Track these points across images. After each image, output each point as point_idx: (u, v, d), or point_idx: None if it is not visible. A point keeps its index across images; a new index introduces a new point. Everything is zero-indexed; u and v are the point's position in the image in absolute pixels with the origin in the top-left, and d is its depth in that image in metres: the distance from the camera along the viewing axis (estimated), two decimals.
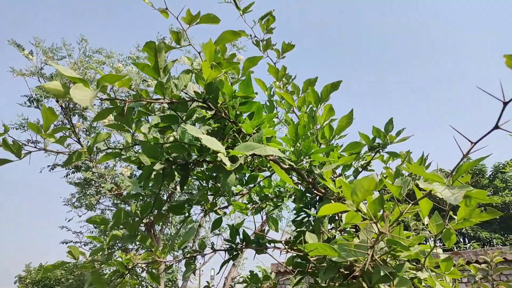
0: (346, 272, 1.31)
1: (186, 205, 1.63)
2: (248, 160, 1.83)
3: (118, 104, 1.20)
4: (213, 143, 1.19)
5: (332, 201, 1.66)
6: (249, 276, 2.04)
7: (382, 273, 1.06)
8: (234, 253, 2.00)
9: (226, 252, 2.01)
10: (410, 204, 1.08)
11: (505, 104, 0.81)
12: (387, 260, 1.21)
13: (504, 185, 21.24)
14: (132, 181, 1.71)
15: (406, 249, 1.12)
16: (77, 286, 4.97)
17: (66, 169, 6.63)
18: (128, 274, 2.00)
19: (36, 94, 6.36)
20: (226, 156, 1.21)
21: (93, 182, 6.16)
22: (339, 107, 1.93)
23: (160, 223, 5.19)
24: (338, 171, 2.18)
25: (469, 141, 0.89)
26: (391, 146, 2.25)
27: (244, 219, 3.16)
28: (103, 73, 1.06)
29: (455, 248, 18.93)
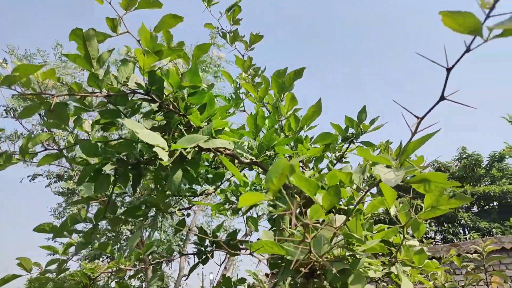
0: (307, 271, 1.21)
1: (143, 207, 1.52)
2: (210, 156, 1.73)
3: (46, 100, 1.10)
4: (151, 138, 1.09)
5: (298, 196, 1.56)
6: (221, 280, 1.93)
7: (334, 271, 0.96)
8: (204, 257, 1.90)
9: (195, 256, 1.90)
10: (364, 193, 0.98)
11: (448, 70, 0.72)
12: (347, 256, 1.11)
13: (501, 174, 21.20)
14: (86, 185, 1.60)
15: (361, 242, 1.02)
16: None
17: (48, 178, 6.48)
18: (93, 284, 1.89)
19: (12, 104, 6.23)
20: (167, 151, 1.11)
21: (77, 191, 6.03)
22: (314, 99, 1.83)
23: (148, 228, 5.06)
24: (312, 164, 2.08)
25: (415, 116, 0.79)
26: (366, 135, 2.15)
27: (224, 221, 3.05)
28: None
29: (455, 239, 18.87)
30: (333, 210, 1.69)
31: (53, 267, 1.55)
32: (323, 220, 1.38)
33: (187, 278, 1.75)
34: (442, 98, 0.76)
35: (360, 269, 1.02)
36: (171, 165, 1.26)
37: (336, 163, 2.08)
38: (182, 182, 1.31)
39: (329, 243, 1.08)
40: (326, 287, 1.17)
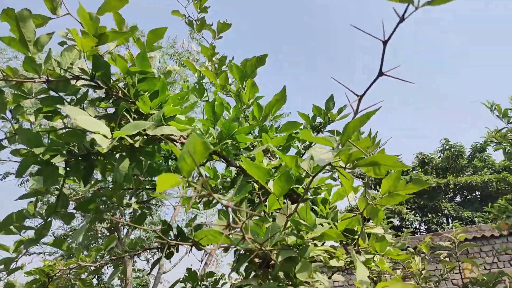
0: (260, 260, 1.17)
1: (97, 201, 1.46)
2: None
3: None
4: (90, 124, 1.03)
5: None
6: (186, 274, 1.87)
7: (280, 258, 0.91)
8: (168, 251, 1.84)
9: (159, 250, 1.85)
10: (311, 178, 0.94)
11: (385, 43, 0.67)
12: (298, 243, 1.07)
13: (483, 164, 21.63)
14: (36, 178, 1.52)
15: (310, 229, 0.98)
16: None
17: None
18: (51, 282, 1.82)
19: None
20: (109, 139, 1.04)
21: (52, 189, 5.86)
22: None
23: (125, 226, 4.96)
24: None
25: (355, 94, 0.75)
26: (334, 124, 2.11)
27: (197, 215, 3.00)
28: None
29: (438, 229, 19.18)
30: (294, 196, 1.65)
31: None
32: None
33: (149, 273, 1.70)
34: (380, 73, 0.71)
35: (307, 257, 0.98)
36: (118, 155, 1.20)
37: (304, 152, 2.04)
38: (132, 172, 1.25)
39: (281, 232, 1.03)
40: (281, 276, 1.13)
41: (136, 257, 5.73)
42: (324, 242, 1.35)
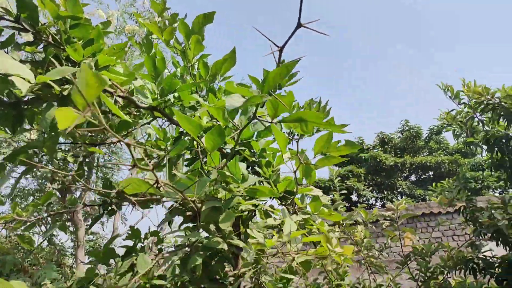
0: (190, 213, 1.18)
1: (28, 152, 1.40)
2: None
3: None
4: (9, 66, 0.97)
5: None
6: (129, 232, 1.87)
7: (204, 208, 0.93)
8: (109, 208, 1.82)
9: (101, 207, 1.82)
10: (239, 132, 0.94)
11: None
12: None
13: (438, 146, 22.75)
14: None
15: (235, 181, 1.00)
16: None
17: None
18: None
19: None
20: (31, 84, 1.00)
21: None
22: None
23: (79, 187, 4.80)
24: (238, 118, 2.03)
25: (276, 45, 0.75)
26: (284, 89, 2.13)
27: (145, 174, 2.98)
28: None
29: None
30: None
31: None
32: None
33: (89, 228, 1.68)
34: (299, 25, 0.72)
35: (236, 210, 1.01)
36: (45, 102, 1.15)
37: (252, 118, 2.04)
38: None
39: (210, 185, 1.05)
40: (211, 229, 1.15)
41: (89, 220, 5.65)
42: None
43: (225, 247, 1.07)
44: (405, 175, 22.26)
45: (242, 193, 1.09)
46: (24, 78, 0.97)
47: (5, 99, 1.32)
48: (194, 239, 1.10)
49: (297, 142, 1.21)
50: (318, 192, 1.71)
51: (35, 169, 6.28)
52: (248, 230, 1.37)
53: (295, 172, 1.27)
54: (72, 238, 5.59)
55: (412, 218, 10.10)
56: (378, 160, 20.83)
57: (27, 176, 5.63)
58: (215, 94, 1.80)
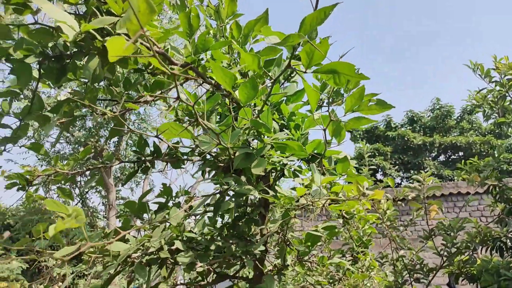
0: (222, 164, 1.23)
1: (68, 104, 1.47)
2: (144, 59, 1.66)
3: None
4: (56, 13, 1.02)
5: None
6: (162, 189, 1.95)
7: (237, 153, 0.96)
8: (143, 166, 1.90)
9: (135, 164, 1.91)
10: (273, 81, 0.96)
11: None
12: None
13: (470, 126, 21.95)
14: (11, 79, 1.53)
15: (268, 131, 1.03)
16: (29, 219, 4.95)
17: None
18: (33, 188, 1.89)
19: None
20: (75, 31, 1.04)
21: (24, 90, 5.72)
22: None
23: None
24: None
25: None
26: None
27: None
28: None
29: None
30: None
31: None
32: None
33: (124, 183, 1.77)
34: None
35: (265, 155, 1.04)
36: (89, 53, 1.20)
37: (284, 81, 2.05)
38: (103, 74, 1.26)
39: (243, 135, 1.08)
40: (242, 180, 1.20)
41: (120, 186, 5.91)
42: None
43: (256, 194, 1.11)
44: (434, 155, 21.73)
45: (273, 146, 1.12)
46: (69, 26, 1.02)
47: (49, 52, 1.38)
48: (226, 187, 1.14)
49: (328, 98, 1.21)
50: (346, 154, 1.72)
51: (68, 135, 6.55)
52: (276, 187, 1.41)
53: (324, 130, 1.29)
54: (104, 202, 5.87)
55: (439, 197, 9.93)
56: (406, 138, 20.37)
57: (62, 141, 5.88)
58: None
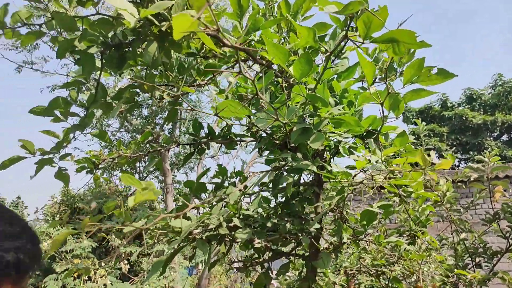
0: (278, 142, 1.24)
1: (130, 90, 1.56)
2: (197, 42, 1.70)
3: None
4: (117, 2, 1.08)
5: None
6: (217, 170, 2.02)
7: (295, 128, 0.97)
8: (199, 147, 1.97)
9: (191, 146, 1.98)
10: (329, 54, 0.94)
11: None
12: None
13: None
14: (76, 70, 1.64)
15: (325, 105, 1.02)
16: (96, 202, 5.37)
17: (66, 89, 6.54)
18: (99, 171, 2.04)
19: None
20: (135, 18, 1.10)
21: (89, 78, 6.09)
22: None
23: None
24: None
25: None
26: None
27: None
28: None
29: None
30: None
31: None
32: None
33: (181, 167, 1.85)
34: None
35: (323, 130, 1.04)
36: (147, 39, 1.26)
37: (335, 58, 2.01)
38: (160, 57, 1.32)
39: (298, 110, 1.08)
40: (299, 156, 1.20)
41: (176, 171, 6.19)
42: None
43: (314, 169, 1.12)
44: (496, 134, 20.24)
45: (329, 122, 1.11)
46: (130, 13, 1.07)
47: (109, 42, 1.47)
48: (283, 163, 1.16)
49: (386, 69, 1.18)
50: (404, 129, 1.67)
51: (127, 124, 6.96)
52: (332, 164, 1.40)
53: (382, 103, 1.25)
54: (161, 186, 6.18)
55: (502, 179, 9.28)
56: (464, 118, 19.14)
57: (121, 129, 6.23)
58: (296, 34, 1.80)
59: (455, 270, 3.08)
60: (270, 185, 1.94)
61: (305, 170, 1.13)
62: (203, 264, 6.78)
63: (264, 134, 1.36)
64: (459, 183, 3.81)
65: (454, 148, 19.22)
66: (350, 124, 1.19)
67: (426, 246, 3.34)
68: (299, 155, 1.23)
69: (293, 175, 1.16)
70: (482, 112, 20.71)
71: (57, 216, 5.97)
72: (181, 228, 1.53)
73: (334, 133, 1.24)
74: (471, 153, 19.37)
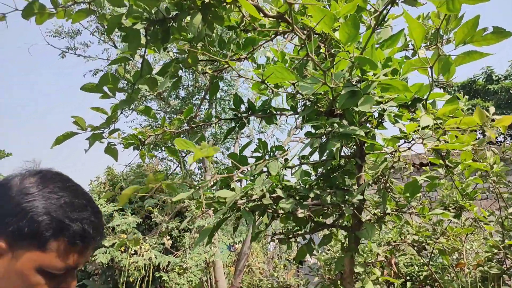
0: (322, 109, 1.23)
1: (174, 64, 1.60)
2: (237, 15, 1.70)
3: None
4: None
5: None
6: (258, 144, 2.04)
7: (343, 92, 0.96)
8: (240, 122, 2.00)
9: (233, 121, 2.01)
10: (377, 13, 0.92)
11: None
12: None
13: None
14: (122, 48, 1.70)
15: (375, 67, 1.00)
16: (138, 181, 5.62)
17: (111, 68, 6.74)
18: (145, 148, 2.12)
19: None
20: None
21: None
22: None
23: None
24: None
25: None
26: None
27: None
28: None
29: None
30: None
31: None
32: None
33: (223, 140, 1.89)
34: None
35: (371, 93, 1.02)
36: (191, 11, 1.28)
37: (376, 26, 1.94)
38: (204, 30, 1.33)
39: (345, 75, 1.07)
40: (344, 123, 1.20)
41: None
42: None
43: (362, 133, 1.11)
44: None
45: (375, 86, 1.09)
46: None
47: (153, 17, 1.50)
48: (330, 128, 1.16)
49: (437, 30, 1.13)
50: (454, 95, 1.61)
51: (164, 106, 7.15)
52: (377, 132, 1.38)
53: (431, 67, 1.21)
54: (199, 165, 6.36)
55: None
56: (511, 92, 18.01)
57: (160, 110, 6.40)
58: (337, 1, 1.76)
59: (503, 243, 2.97)
60: (312, 158, 1.94)
61: (353, 136, 1.12)
62: (241, 243, 6.94)
63: (308, 104, 1.36)
64: (506, 156, 3.63)
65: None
66: (398, 89, 1.16)
67: (471, 223, 3.25)
68: (345, 122, 1.22)
69: (339, 141, 1.16)
70: None
71: (102, 194, 6.29)
72: (226, 198, 1.58)
73: (383, 97, 1.21)
74: None
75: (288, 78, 1.01)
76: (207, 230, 1.57)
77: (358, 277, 2.12)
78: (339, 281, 1.83)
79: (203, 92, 4.78)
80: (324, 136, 1.17)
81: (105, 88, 1.67)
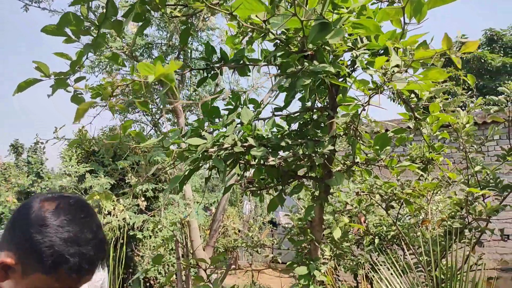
0: (294, 50, 1.21)
1: (139, 4, 1.51)
2: None
3: None
4: None
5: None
6: (230, 96, 2.01)
7: (313, 24, 0.94)
8: (212, 72, 1.95)
9: (205, 71, 1.96)
10: None
11: None
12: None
13: None
14: None
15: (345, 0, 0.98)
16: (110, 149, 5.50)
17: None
18: (113, 99, 2.05)
19: None
20: None
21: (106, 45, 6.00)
22: None
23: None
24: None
25: None
26: None
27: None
28: None
29: None
30: None
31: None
32: None
33: (195, 90, 1.84)
34: None
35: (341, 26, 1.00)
36: None
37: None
38: None
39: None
40: (315, 63, 1.18)
41: (188, 113, 6.21)
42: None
43: (332, 70, 1.10)
44: None
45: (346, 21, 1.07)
46: None
47: None
48: (300, 66, 1.14)
49: None
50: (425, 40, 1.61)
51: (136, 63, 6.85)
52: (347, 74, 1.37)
53: (403, 8, 1.19)
54: (174, 126, 6.25)
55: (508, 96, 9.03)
56: (483, 61, 18.39)
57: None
58: None
59: (464, 204, 3.12)
60: (285, 111, 1.94)
61: (323, 74, 1.11)
62: (215, 206, 7.02)
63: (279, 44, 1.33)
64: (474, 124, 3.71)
65: (470, 92, 18.75)
66: (369, 30, 1.15)
67: (438, 181, 3.37)
68: (316, 63, 1.20)
69: (309, 79, 1.14)
70: (502, 54, 19.86)
71: (74, 158, 6.14)
72: (198, 146, 1.56)
73: (352, 35, 1.20)
74: (487, 97, 18.91)
75: (258, 9, 0.97)
76: (178, 177, 1.56)
77: (328, 225, 2.20)
78: (308, 230, 1.88)
79: (177, 52, 4.62)
80: (295, 74, 1.15)
81: (68, 31, 1.58)
